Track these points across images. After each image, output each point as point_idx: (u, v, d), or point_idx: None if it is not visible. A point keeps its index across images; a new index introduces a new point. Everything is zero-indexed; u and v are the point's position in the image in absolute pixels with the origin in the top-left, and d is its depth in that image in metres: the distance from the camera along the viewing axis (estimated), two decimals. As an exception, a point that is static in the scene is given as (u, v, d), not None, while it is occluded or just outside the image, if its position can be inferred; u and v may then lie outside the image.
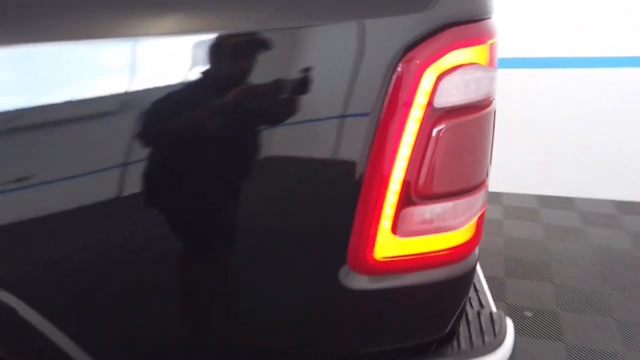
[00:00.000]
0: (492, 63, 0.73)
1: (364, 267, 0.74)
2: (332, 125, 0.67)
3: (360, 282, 0.75)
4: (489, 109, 0.74)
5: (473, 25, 0.69)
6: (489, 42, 0.71)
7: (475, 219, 0.78)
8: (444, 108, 0.69)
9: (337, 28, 0.65)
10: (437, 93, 0.68)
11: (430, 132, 0.69)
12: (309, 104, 0.66)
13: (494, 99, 0.76)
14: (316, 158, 0.69)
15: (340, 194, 0.71)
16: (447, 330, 0.84)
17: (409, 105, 0.68)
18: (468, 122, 0.72)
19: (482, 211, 0.80)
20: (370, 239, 0.73)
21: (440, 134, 0.69)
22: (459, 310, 0.84)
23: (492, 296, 1.01)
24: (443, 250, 0.77)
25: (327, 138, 0.68)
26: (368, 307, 0.79)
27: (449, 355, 0.83)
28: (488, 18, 0.72)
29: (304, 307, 0.79)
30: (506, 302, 1.99)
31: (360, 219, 0.71)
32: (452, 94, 0.69)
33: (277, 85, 0.65)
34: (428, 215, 0.74)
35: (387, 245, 0.74)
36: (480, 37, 0.70)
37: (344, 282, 0.74)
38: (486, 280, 1.07)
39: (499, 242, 2.51)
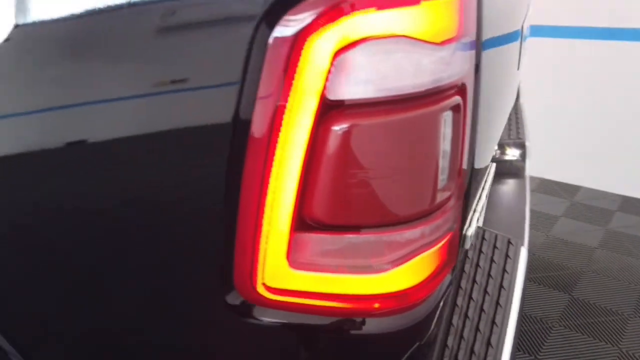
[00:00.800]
0: (448, 32, 0.50)
1: (251, 295, 0.58)
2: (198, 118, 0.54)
3: (248, 311, 0.59)
4: (433, 107, 0.52)
5: None
6: None
7: (416, 261, 0.58)
8: (342, 101, 0.49)
9: None
10: (331, 78, 0.48)
11: (325, 137, 0.50)
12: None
13: (454, 89, 0.54)
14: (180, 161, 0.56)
15: (214, 205, 0.56)
16: None
17: (285, 93, 0.49)
18: (382, 125, 0.50)
19: (426, 252, 0.58)
20: (254, 263, 0.56)
21: (338, 140, 0.50)
22: None
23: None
24: (358, 297, 0.58)
25: (192, 137, 0.54)
26: (258, 344, 0.63)
27: None
28: None
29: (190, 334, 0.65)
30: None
31: (242, 237, 0.55)
32: (354, 81, 0.49)
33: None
34: (330, 247, 0.55)
35: (279, 274, 0.57)
36: None
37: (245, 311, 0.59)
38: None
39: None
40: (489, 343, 0.83)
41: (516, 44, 0.95)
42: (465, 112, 0.56)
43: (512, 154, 1.79)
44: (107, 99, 0.56)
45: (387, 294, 0.59)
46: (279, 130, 0.50)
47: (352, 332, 0.61)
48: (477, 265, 1.11)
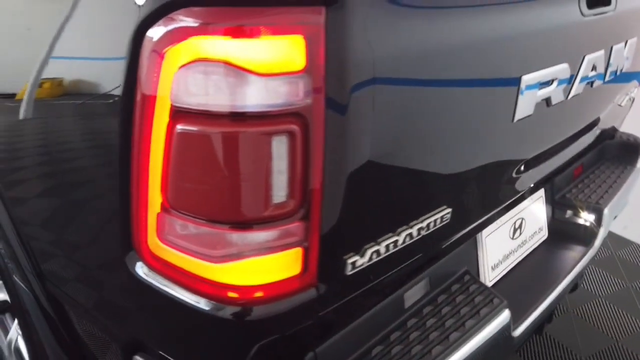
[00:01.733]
0: (283, 67, 0.56)
1: (142, 258, 0.72)
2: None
3: (141, 272, 0.73)
4: (256, 128, 0.58)
5: (222, 9, 0.56)
6: (276, 36, 0.55)
7: (246, 263, 0.65)
8: (181, 107, 0.59)
9: None
10: (174, 87, 0.58)
11: (170, 134, 0.60)
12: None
13: (288, 117, 0.58)
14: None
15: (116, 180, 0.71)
16: None
17: (153, 94, 0.60)
18: (207, 135, 0.58)
19: (258, 257, 0.65)
20: (142, 229, 0.69)
21: (174, 139, 0.60)
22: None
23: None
24: (202, 279, 0.67)
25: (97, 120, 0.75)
26: (146, 299, 0.77)
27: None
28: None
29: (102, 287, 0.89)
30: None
31: (135, 205, 0.68)
32: (188, 93, 0.58)
33: None
34: (180, 230, 0.66)
35: (154, 244, 0.69)
36: (232, 27, 0.55)
37: (129, 266, 0.74)
38: None
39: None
40: None
41: (501, 90, 0.90)
42: (303, 139, 0.60)
43: (585, 218, 1.58)
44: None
45: (219, 284, 0.67)
46: (151, 127, 0.63)
47: (200, 308, 0.71)
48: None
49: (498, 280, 1.34)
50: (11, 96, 0.95)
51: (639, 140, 1.96)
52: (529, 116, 0.99)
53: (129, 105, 0.64)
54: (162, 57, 0.59)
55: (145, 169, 0.66)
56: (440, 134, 0.81)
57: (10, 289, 1.25)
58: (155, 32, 0.58)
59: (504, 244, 1.36)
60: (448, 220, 0.93)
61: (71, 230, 0.91)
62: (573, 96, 1.15)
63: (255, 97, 0.56)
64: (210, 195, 0.62)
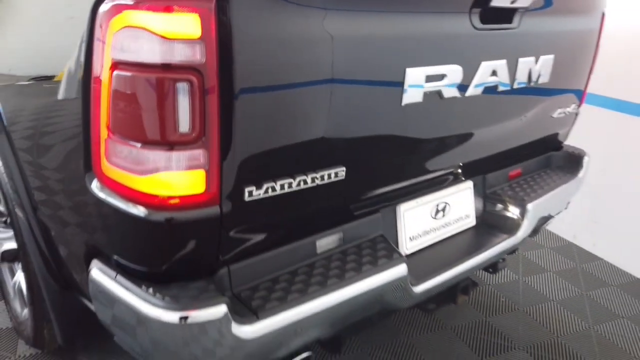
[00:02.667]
0: (183, 34, 0.84)
1: (99, 178, 1.02)
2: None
3: (95, 187, 1.03)
4: (164, 74, 0.85)
5: None
6: (182, 13, 0.83)
7: (160, 176, 0.92)
8: (117, 60, 0.89)
9: None
10: (113, 45, 0.88)
11: (110, 79, 0.90)
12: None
13: (188, 70, 0.86)
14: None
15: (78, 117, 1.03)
16: (161, 267, 1.03)
17: (102, 52, 0.91)
18: (133, 78, 0.87)
19: (168, 172, 0.92)
20: (98, 155, 0.99)
21: (112, 81, 0.90)
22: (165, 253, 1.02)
23: None
24: (132, 190, 0.96)
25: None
26: (100, 212, 1.07)
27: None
28: None
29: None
30: None
31: (94, 138, 0.98)
32: (122, 49, 0.88)
33: None
34: (118, 151, 0.94)
35: (105, 166, 0.99)
36: (150, 5, 0.84)
37: (89, 185, 1.04)
38: None
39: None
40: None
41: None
42: (200, 87, 0.89)
43: (511, 211, 1.80)
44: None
45: (144, 193, 0.96)
46: (100, 74, 0.93)
47: (132, 213, 0.99)
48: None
49: (417, 251, 1.58)
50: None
51: (582, 154, 2.17)
52: (418, 103, 1.25)
53: (88, 63, 0.94)
54: (107, 24, 0.89)
55: (98, 108, 0.95)
56: (329, 100, 1.08)
57: (17, 233, 1.56)
58: (103, 8, 0.90)
59: (424, 221, 1.60)
60: (343, 178, 1.19)
61: (54, 165, 1.22)
62: (473, 95, 1.40)
63: (164, 53, 0.86)
64: (135, 122, 0.90)
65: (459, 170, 1.66)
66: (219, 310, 1.00)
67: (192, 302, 0.99)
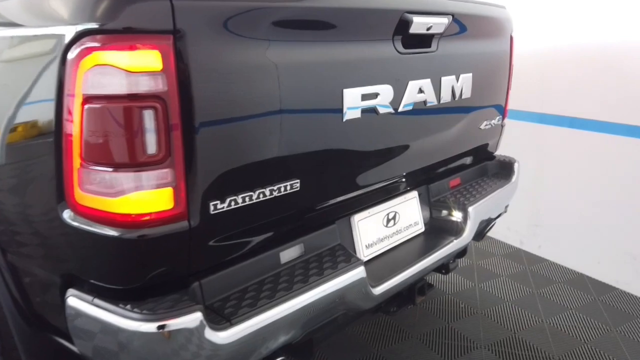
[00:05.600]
0: (144, 67, 0.96)
1: (73, 208, 1.09)
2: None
3: (68, 217, 1.10)
4: (132, 103, 0.97)
5: (111, 35, 0.97)
6: (142, 51, 0.95)
7: (132, 197, 1.01)
8: (88, 94, 0.99)
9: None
10: (84, 82, 0.98)
11: (82, 112, 0.99)
12: None
13: (152, 98, 0.98)
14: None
15: (51, 151, 1.10)
16: (136, 284, 1.10)
17: (72, 90, 1.00)
18: (103, 109, 0.97)
19: (139, 192, 1.01)
20: (71, 185, 1.07)
21: (84, 114, 0.99)
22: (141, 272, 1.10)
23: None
24: (106, 212, 1.04)
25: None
26: (74, 240, 1.13)
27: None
28: (131, 31, 0.97)
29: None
30: None
31: (67, 169, 1.06)
32: (92, 85, 0.98)
33: None
34: (91, 178, 1.03)
35: (78, 195, 1.06)
36: (116, 45, 0.96)
37: (62, 216, 1.11)
38: None
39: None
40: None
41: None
42: (164, 113, 1.01)
43: (454, 215, 1.98)
44: None
45: (117, 214, 1.05)
46: (72, 111, 1.03)
47: (107, 235, 1.07)
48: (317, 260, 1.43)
49: (374, 257, 1.71)
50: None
51: (512, 161, 2.41)
52: (357, 119, 1.42)
53: (60, 101, 1.04)
54: (77, 65, 1.00)
55: (71, 141, 1.04)
56: (279, 120, 1.22)
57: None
58: (74, 51, 1.00)
59: (378, 230, 1.74)
60: (298, 189, 1.32)
61: (18, 207, 1.29)
62: (405, 110, 1.59)
63: (131, 85, 0.98)
64: (106, 149, 1.00)
65: (404, 181, 1.84)
66: (195, 317, 1.08)
67: (169, 311, 1.07)
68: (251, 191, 1.21)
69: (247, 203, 1.21)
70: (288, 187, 1.30)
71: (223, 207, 1.16)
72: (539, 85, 3.19)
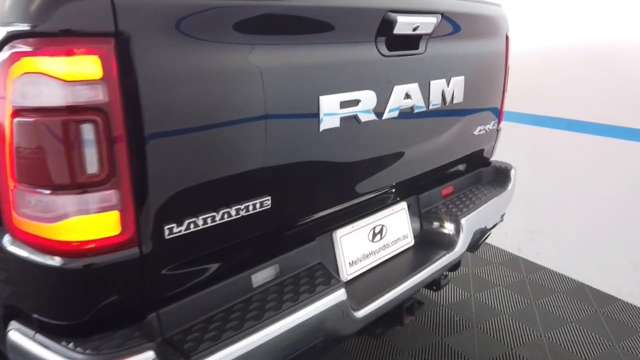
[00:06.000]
0: (82, 76, 0.83)
1: (9, 229, 0.97)
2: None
3: (7, 242, 0.99)
4: (68, 117, 0.84)
5: (44, 39, 0.83)
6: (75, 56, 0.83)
7: (71, 222, 0.88)
8: (18, 107, 0.86)
9: None
10: (12, 93, 0.86)
11: (11, 126, 0.87)
12: None
13: (90, 110, 0.85)
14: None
15: None
16: (82, 319, 0.98)
17: (2, 98, 0.87)
18: (35, 123, 0.85)
19: (80, 217, 0.89)
20: (7, 208, 0.94)
21: (14, 128, 0.86)
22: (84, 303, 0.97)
23: None
24: (45, 239, 0.91)
25: None
26: (14, 269, 1.01)
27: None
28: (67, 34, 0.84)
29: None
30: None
31: (3, 190, 0.93)
32: (22, 95, 0.85)
33: None
34: (25, 201, 0.90)
35: (15, 219, 0.94)
36: (49, 50, 0.83)
37: (1, 241, 1.00)
38: None
39: None
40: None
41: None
42: (106, 127, 0.88)
43: (446, 227, 1.86)
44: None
45: (57, 241, 0.92)
46: (2, 123, 0.90)
47: (49, 265, 0.94)
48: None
49: (358, 275, 1.59)
50: None
51: (509, 167, 2.29)
52: (335, 128, 1.29)
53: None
54: (6, 72, 0.87)
55: (3, 158, 0.91)
56: (245, 132, 1.10)
57: None
58: (1, 57, 0.88)
59: (362, 245, 1.62)
60: (269, 207, 1.19)
61: None
62: (391, 118, 1.46)
63: (66, 96, 0.85)
64: (41, 168, 0.87)
65: (392, 192, 1.71)
66: (145, 357, 0.96)
67: (115, 351, 0.94)
68: (214, 211, 1.08)
69: (210, 225, 1.08)
70: (257, 205, 1.17)
71: (180, 231, 1.03)
72: (536, 86, 3.07)
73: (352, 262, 1.57)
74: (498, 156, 2.34)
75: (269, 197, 1.19)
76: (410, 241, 1.79)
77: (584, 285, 2.91)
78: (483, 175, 2.29)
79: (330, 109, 1.26)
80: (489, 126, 2.12)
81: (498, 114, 2.18)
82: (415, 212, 1.87)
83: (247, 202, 1.15)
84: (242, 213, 1.14)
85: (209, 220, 1.07)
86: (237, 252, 1.21)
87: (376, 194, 1.64)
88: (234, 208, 1.12)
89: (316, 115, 1.24)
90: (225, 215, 1.11)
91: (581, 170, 2.92)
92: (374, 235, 1.66)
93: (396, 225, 1.75)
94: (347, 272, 1.55)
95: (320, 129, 1.26)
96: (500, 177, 2.28)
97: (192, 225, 1.05)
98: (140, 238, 0.98)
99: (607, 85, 2.73)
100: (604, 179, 2.82)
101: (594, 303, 2.73)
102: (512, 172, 2.25)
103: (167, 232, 1.01)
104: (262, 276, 1.30)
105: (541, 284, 2.93)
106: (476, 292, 2.81)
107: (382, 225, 1.69)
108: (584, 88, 2.84)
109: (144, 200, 0.96)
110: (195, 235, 1.06)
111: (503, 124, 2.26)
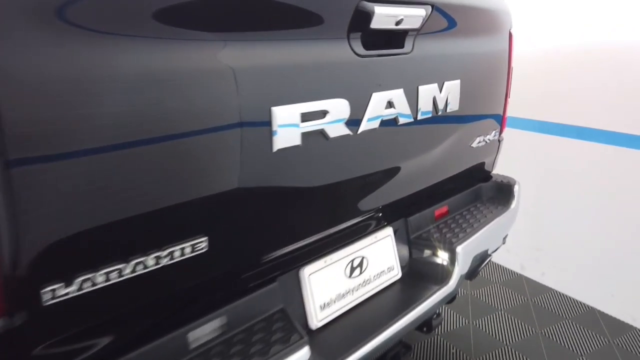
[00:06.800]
0: None
1: None
2: None
3: None
4: None
5: None
6: None
7: None
8: None
9: None
10: None
11: None
12: None
13: None
14: None
15: None
16: None
17: None
18: None
19: None
20: None
21: None
22: None
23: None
24: None
25: None
26: None
27: None
28: None
29: None
30: None
31: None
32: None
33: None
34: None
35: None
36: None
37: None
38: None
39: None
40: None
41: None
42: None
43: (440, 257, 1.59)
44: None
45: None
46: None
47: None
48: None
49: (332, 320, 1.32)
50: None
51: (512, 182, 2.02)
52: (295, 147, 1.02)
53: None
54: None
55: None
56: (165, 154, 0.83)
57: None
58: None
59: (338, 283, 1.35)
60: (205, 249, 0.92)
61: None
62: (369, 130, 1.19)
63: None
64: None
65: (374, 217, 1.44)
66: None
67: None
68: (122, 262, 0.81)
69: (115, 281, 0.81)
70: (188, 250, 0.90)
71: (68, 293, 0.76)
72: (542, 89, 2.79)
73: (324, 304, 1.30)
74: (499, 167, 2.07)
75: (205, 238, 0.92)
76: (396, 273, 1.52)
77: (595, 310, 2.63)
78: (483, 191, 2.01)
79: (287, 123, 0.99)
80: (490, 136, 1.85)
81: (500, 122, 1.91)
82: (403, 238, 1.60)
83: (172, 246, 0.87)
84: (166, 261, 0.87)
85: (113, 276, 0.80)
86: (162, 309, 0.94)
87: (354, 221, 1.36)
88: (152, 256, 0.85)
89: (267, 131, 0.96)
90: (140, 267, 0.83)
91: (590, 182, 2.65)
92: (352, 269, 1.39)
93: (380, 256, 1.48)
94: (318, 318, 1.27)
95: (274, 149, 0.98)
96: (503, 193, 2.00)
97: (87, 284, 0.77)
98: (9, 305, 0.71)
99: (622, 89, 2.46)
100: (615, 192, 2.54)
101: (607, 332, 2.45)
102: (516, 187, 1.98)
103: (48, 295, 0.73)
104: (202, 332, 1.03)
105: (547, 308, 2.65)
106: (475, 318, 2.53)
107: (362, 257, 1.42)
108: (595, 92, 2.57)
109: (12, 255, 0.69)
110: (95, 296, 0.79)
111: (505, 132, 1.99)
